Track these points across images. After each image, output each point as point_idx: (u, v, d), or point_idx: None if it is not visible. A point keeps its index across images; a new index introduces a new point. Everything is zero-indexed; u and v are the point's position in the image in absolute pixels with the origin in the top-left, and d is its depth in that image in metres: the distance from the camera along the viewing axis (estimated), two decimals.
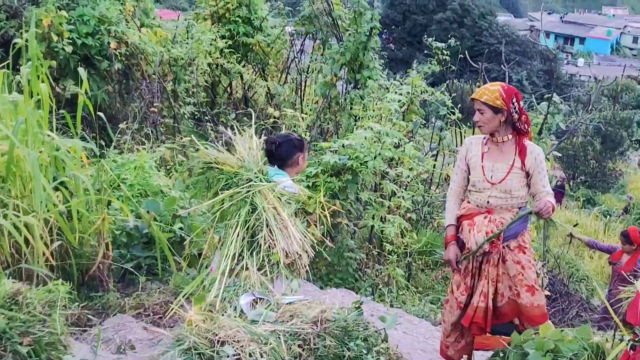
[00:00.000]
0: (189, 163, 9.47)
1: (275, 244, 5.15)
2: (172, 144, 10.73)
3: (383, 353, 4.63)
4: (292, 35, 17.30)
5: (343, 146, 8.57)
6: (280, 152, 5.92)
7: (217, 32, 15.07)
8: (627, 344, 4.26)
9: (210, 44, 14.16)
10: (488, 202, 5.47)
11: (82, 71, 6.24)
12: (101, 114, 6.45)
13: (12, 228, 4.94)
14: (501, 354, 5.17)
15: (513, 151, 5.44)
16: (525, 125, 5.50)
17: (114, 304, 5.60)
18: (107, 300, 5.62)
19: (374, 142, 8.44)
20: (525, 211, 5.42)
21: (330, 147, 8.65)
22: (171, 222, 6.36)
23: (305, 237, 5.37)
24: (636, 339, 4.22)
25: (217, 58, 14.60)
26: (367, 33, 12.92)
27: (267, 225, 5.22)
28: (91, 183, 5.78)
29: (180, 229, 6.34)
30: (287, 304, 4.61)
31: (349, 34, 13.26)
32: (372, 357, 4.60)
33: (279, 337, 4.23)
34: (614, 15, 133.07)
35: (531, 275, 5.44)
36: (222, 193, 5.42)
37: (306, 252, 5.33)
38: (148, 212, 6.17)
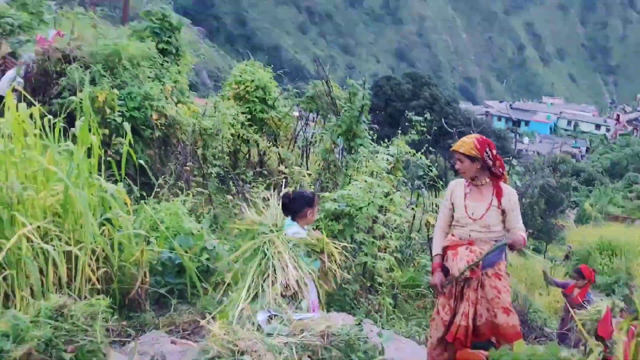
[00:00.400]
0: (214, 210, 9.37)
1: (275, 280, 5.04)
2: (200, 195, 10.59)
3: None
4: (300, 115, 17.39)
5: (342, 196, 8.36)
6: (293, 206, 5.73)
7: (239, 109, 15.05)
8: (599, 355, 3.93)
9: (233, 118, 14.13)
10: (470, 235, 5.23)
11: (126, 125, 6.00)
12: (142, 162, 6.13)
13: (59, 256, 4.67)
14: None
15: (491, 192, 5.21)
16: (500, 169, 5.26)
17: (150, 322, 5.27)
18: (143, 319, 5.29)
19: (367, 192, 8.23)
20: (501, 243, 5.15)
21: (331, 197, 8.44)
22: (199, 254, 6.05)
23: (304, 272, 5.21)
24: (607, 351, 3.92)
25: (239, 129, 14.54)
26: (359, 109, 12.92)
27: (273, 266, 5.15)
28: (132, 221, 5.52)
29: (207, 259, 6.04)
30: (298, 320, 4.33)
31: (345, 110, 13.25)
32: None
33: (292, 349, 3.94)
34: (552, 103, 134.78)
35: (506, 298, 5.18)
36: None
37: (305, 284, 5.16)
38: (180, 245, 5.89)
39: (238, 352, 3.74)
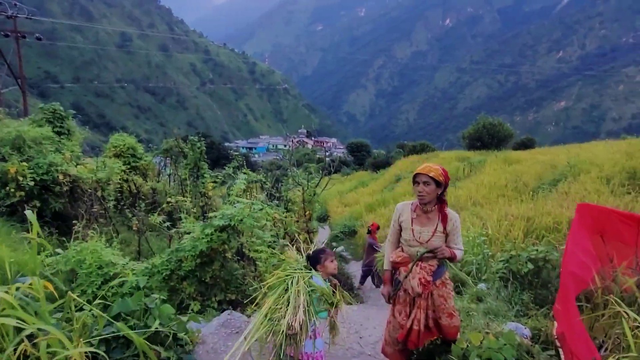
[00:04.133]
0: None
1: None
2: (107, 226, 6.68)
3: None
4: (160, 162, 13.25)
5: (224, 215, 5.24)
6: (311, 263, 2.92)
7: (119, 162, 10.69)
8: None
9: (118, 168, 9.87)
10: (417, 254, 2.68)
11: (29, 213, 2.37)
12: (57, 209, 2.65)
13: None
14: None
15: (437, 217, 2.68)
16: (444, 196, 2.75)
17: None
18: None
19: (246, 208, 5.21)
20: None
21: (216, 216, 5.25)
22: (142, 317, 2.73)
23: (313, 321, 2.52)
24: None
25: (121, 175, 10.31)
26: (199, 152, 9.90)
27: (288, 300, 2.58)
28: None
29: (155, 320, 2.71)
30: None
31: (191, 154, 10.03)
32: None
33: None
34: (263, 137, 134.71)
35: (451, 304, 2.72)
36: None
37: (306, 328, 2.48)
38: (120, 313, 2.59)
39: None
